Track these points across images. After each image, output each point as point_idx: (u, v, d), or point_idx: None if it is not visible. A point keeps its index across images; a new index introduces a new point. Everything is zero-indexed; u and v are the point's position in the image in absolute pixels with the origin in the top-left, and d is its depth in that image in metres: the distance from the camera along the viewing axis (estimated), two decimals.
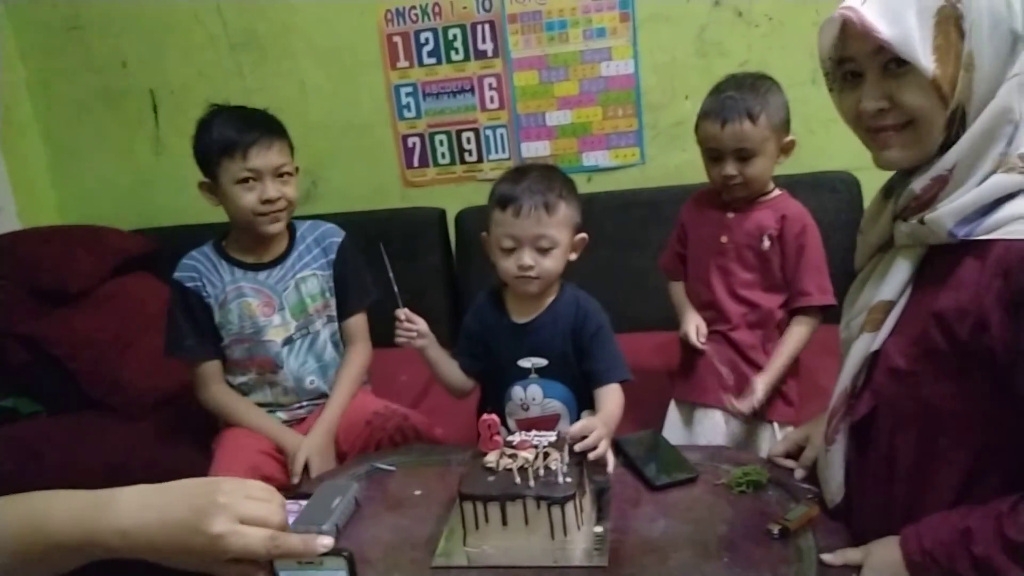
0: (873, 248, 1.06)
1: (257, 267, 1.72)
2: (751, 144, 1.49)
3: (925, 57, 0.88)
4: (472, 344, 1.49)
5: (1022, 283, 0.83)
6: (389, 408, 1.65)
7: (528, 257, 1.34)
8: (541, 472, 1.09)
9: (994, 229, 0.88)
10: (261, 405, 1.74)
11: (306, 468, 1.58)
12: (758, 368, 1.58)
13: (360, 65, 2.46)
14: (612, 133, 2.40)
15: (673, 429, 1.62)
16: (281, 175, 1.65)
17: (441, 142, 2.50)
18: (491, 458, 1.13)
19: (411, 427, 1.60)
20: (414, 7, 2.38)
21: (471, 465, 1.15)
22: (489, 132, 2.46)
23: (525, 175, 1.35)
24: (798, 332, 1.58)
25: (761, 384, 1.51)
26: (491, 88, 2.42)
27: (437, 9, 2.38)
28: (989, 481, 0.91)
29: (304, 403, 1.77)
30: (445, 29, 2.39)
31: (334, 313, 1.79)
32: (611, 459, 1.21)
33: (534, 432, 1.19)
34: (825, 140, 2.14)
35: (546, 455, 1.11)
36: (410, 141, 2.51)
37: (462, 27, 2.38)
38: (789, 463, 1.24)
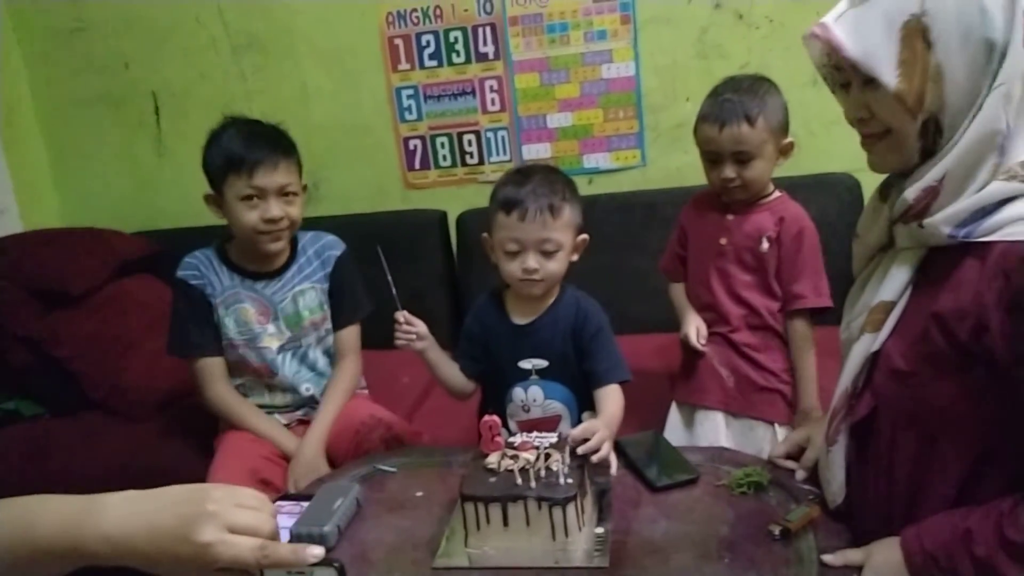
0: (871, 249, 1.06)
1: (256, 276, 1.73)
2: (749, 147, 1.49)
3: (888, 73, 0.89)
4: (472, 346, 1.49)
5: (1022, 284, 0.84)
6: (374, 418, 1.65)
7: (533, 260, 1.34)
8: (542, 473, 1.09)
9: (994, 230, 0.88)
10: (259, 407, 1.74)
11: None
12: (759, 369, 1.58)
13: (361, 67, 2.47)
14: (613, 135, 2.40)
15: (674, 431, 1.62)
16: (286, 194, 1.65)
17: (442, 144, 2.50)
18: (492, 459, 1.14)
19: (395, 437, 1.61)
20: (415, 9, 2.39)
21: (472, 466, 1.15)
22: (490, 134, 2.47)
23: (528, 177, 1.35)
24: (804, 338, 1.56)
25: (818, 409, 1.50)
26: (492, 90, 2.43)
27: (438, 11, 2.38)
28: (989, 482, 0.92)
29: (301, 407, 1.78)
30: (446, 31, 2.40)
31: (331, 326, 1.80)
32: (614, 461, 1.21)
33: (535, 433, 1.19)
34: (826, 142, 2.14)
35: (547, 456, 1.12)
36: (411, 143, 2.52)
37: (463, 29, 2.39)
38: (790, 464, 1.25)
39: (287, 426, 1.75)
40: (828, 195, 2.05)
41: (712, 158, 1.54)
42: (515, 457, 1.13)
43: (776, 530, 1.05)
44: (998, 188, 0.89)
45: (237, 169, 1.60)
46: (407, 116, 2.49)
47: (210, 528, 0.67)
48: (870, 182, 1.09)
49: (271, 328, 1.73)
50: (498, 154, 2.48)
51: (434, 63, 2.43)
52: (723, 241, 1.60)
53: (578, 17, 2.32)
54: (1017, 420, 0.88)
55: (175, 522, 0.68)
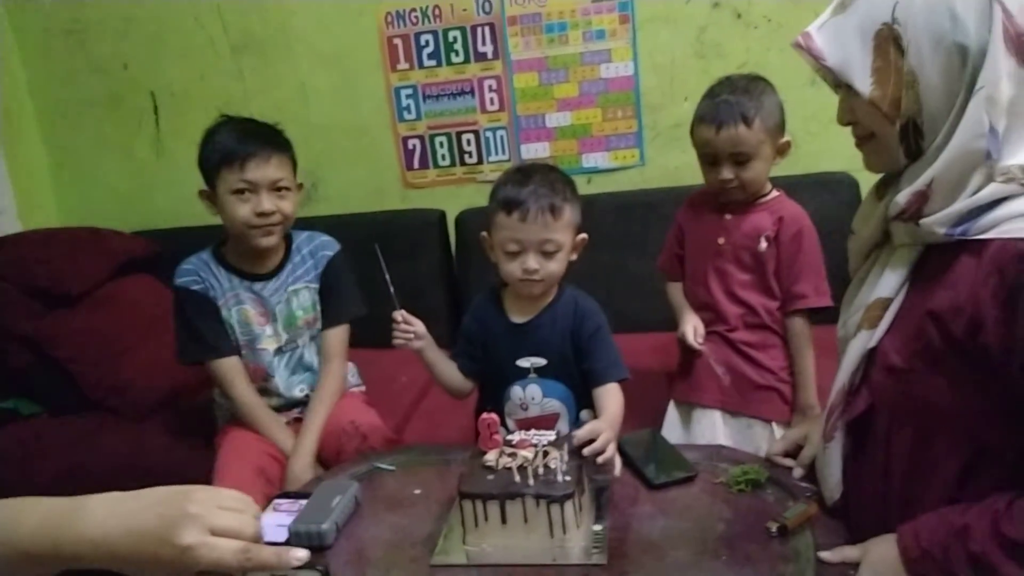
0: (866, 245, 1.07)
1: (253, 277, 1.73)
2: (747, 148, 1.49)
3: (862, 80, 0.93)
4: (470, 345, 1.49)
5: (1017, 281, 0.84)
6: (353, 425, 1.64)
7: (533, 261, 1.34)
8: (540, 471, 1.09)
9: (990, 228, 0.89)
10: None
11: None
12: (757, 367, 1.58)
13: (360, 67, 2.47)
14: (612, 135, 2.41)
15: (672, 429, 1.63)
16: (278, 189, 1.65)
17: (441, 144, 2.50)
18: (490, 457, 1.14)
19: (368, 447, 1.60)
20: (414, 9, 2.39)
21: (470, 464, 1.15)
22: (489, 134, 2.47)
23: (529, 177, 1.34)
24: (805, 337, 1.57)
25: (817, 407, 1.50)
26: (491, 90, 2.43)
27: (437, 11, 2.39)
28: (985, 479, 0.92)
29: (296, 406, 1.78)
30: (445, 31, 2.40)
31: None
32: (618, 462, 1.21)
33: (533, 431, 1.19)
34: (824, 141, 2.15)
35: (545, 454, 1.12)
36: (410, 143, 2.52)
37: (462, 29, 2.39)
38: (787, 462, 1.25)
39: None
40: (826, 194, 2.05)
41: (709, 159, 1.54)
42: (513, 455, 1.13)
43: (773, 527, 1.05)
44: (996, 190, 0.89)
45: (230, 162, 1.61)
46: (406, 116, 2.50)
47: (192, 530, 0.66)
48: (868, 181, 1.10)
49: (269, 330, 1.74)
50: (497, 154, 2.48)
51: (433, 63, 2.43)
52: (721, 241, 1.60)
53: (577, 17, 2.33)
54: (1013, 417, 0.88)
55: (156, 524, 0.67)
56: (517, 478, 1.08)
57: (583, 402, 1.44)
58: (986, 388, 0.89)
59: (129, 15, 2.54)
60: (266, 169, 1.62)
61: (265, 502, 1.30)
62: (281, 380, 1.76)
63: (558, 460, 1.10)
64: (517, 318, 1.44)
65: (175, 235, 2.46)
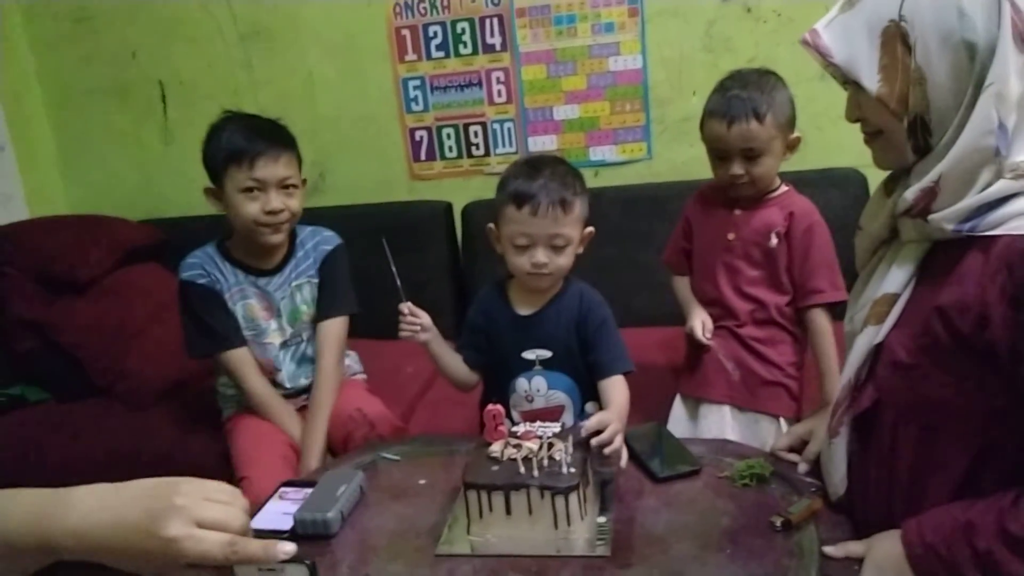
0: (874, 241, 1.07)
1: (258, 272, 1.74)
2: (758, 144, 1.48)
3: (870, 78, 0.93)
4: (476, 337, 1.49)
5: None
6: (361, 413, 1.64)
7: (542, 255, 1.34)
8: (545, 462, 1.09)
9: (998, 224, 0.89)
10: None
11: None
12: (765, 363, 1.57)
13: (368, 58, 2.47)
14: (619, 128, 2.40)
15: (678, 424, 1.63)
16: (286, 187, 1.66)
17: (448, 135, 2.50)
18: (496, 448, 1.14)
19: (378, 436, 1.61)
20: (423, 0, 2.39)
21: (475, 455, 1.16)
22: (496, 126, 2.47)
23: (539, 170, 1.34)
24: (827, 331, 1.54)
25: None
26: (499, 82, 2.43)
27: (446, 3, 2.38)
28: (990, 475, 0.92)
29: (302, 396, 1.79)
30: (453, 23, 2.39)
31: None
32: (624, 454, 1.21)
33: (538, 423, 1.19)
34: (833, 136, 2.14)
35: (550, 446, 1.12)
36: (417, 134, 2.52)
37: (470, 21, 2.39)
38: (792, 457, 1.25)
39: None
40: (835, 190, 2.05)
41: (720, 154, 1.53)
42: (518, 446, 1.13)
43: (778, 522, 1.05)
44: (1005, 186, 0.89)
45: (238, 161, 1.61)
46: (413, 107, 2.49)
47: (177, 522, 0.65)
48: (876, 177, 1.10)
49: (274, 324, 1.75)
50: (504, 146, 2.48)
51: (441, 54, 2.43)
52: (731, 236, 1.59)
53: (586, 9, 2.32)
54: (1018, 413, 0.88)
55: (142, 516, 0.66)
56: (522, 469, 1.09)
57: (588, 394, 1.44)
58: (992, 384, 0.89)
59: (138, 3, 2.54)
60: (275, 167, 1.63)
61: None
62: (287, 373, 1.78)
63: (563, 452, 1.10)
64: (523, 310, 1.44)
65: (182, 224, 2.46)
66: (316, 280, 1.78)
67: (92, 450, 1.93)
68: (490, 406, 1.18)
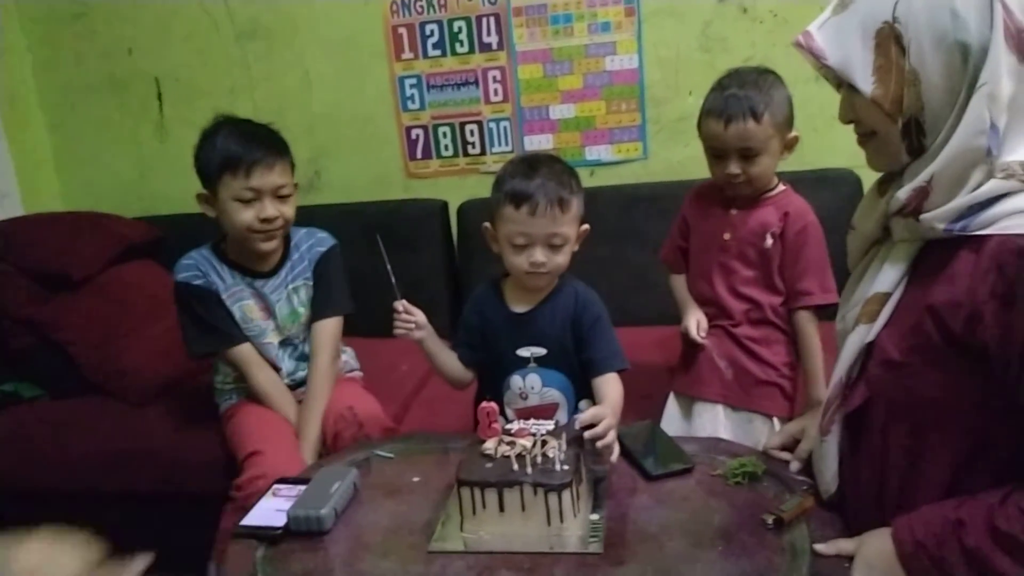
0: (866, 241, 1.08)
1: (254, 275, 1.74)
2: (755, 143, 1.48)
3: (864, 79, 0.93)
4: (471, 335, 1.49)
5: (1015, 277, 0.84)
6: (352, 412, 1.64)
7: (540, 254, 1.34)
8: (539, 459, 1.10)
9: (989, 224, 0.89)
10: None
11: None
12: (759, 362, 1.58)
13: (365, 56, 2.47)
14: (615, 127, 2.40)
15: (671, 422, 1.63)
16: (281, 195, 1.66)
17: (444, 134, 2.50)
18: (489, 445, 1.14)
19: (364, 436, 1.61)
20: None
21: (469, 452, 1.16)
22: (492, 125, 2.47)
23: (536, 170, 1.34)
24: (813, 333, 1.55)
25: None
26: (495, 81, 2.43)
27: (442, 1, 2.38)
28: (980, 473, 0.92)
29: (301, 388, 1.78)
30: (450, 21, 2.40)
31: None
32: (616, 449, 1.22)
33: (532, 420, 1.20)
34: (827, 137, 2.15)
35: (544, 443, 1.12)
36: (413, 133, 2.52)
37: (467, 19, 2.39)
38: (784, 455, 1.25)
39: None
40: (828, 190, 2.05)
41: (717, 153, 1.53)
42: (512, 443, 1.13)
43: (770, 519, 1.06)
44: (996, 186, 0.89)
45: (234, 170, 1.61)
46: (410, 105, 2.49)
47: None
48: (870, 178, 1.11)
49: (271, 325, 1.76)
50: (500, 145, 2.48)
51: (437, 52, 2.43)
52: (727, 236, 1.59)
53: (582, 8, 2.32)
54: (1009, 412, 0.88)
55: None
56: (515, 466, 1.09)
57: (582, 392, 1.44)
58: (983, 383, 0.89)
59: (134, 0, 2.54)
60: (271, 176, 1.63)
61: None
62: (286, 370, 1.79)
63: (556, 449, 1.11)
64: (517, 308, 1.44)
65: (177, 221, 2.46)
66: (311, 282, 1.78)
67: (87, 447, 1.94)
68: (484, 403, 1.18)
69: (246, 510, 1.23)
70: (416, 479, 1.29)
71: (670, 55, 2.32)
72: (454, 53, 2.43)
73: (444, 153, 2.52)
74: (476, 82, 2.44)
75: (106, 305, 2.19)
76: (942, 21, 0.88)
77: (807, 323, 1.56)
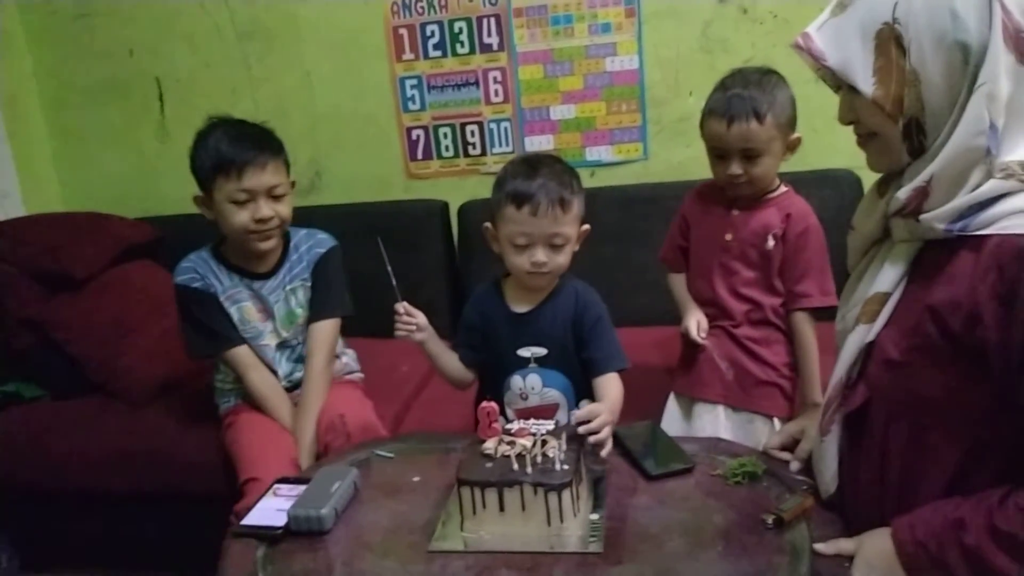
0: (866, 241, 1.08)
1: (253, 276, 1.74)
2: (758, 144, 1.48)
3: (864, 80, 0.93)
4: (471, 336, 1.49)
5: (1015, 277, 0.84)
6: (342, 419, 1.62)
7: (542, 255, 1.35)
8: (539, 459, 1.10)
9: (989, 224, 0.89)
10: None
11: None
12: (759, 363, 1.58)
13: (366, 57, 2.47)
14: (616, 128, 2.40)
15: (672, 423, 1.63)
16: (275, 195, 1.66)
17: (445, 135, 2.50)
18: (489, 445, 1.14)
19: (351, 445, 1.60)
20: (420, 0, 2.39)
21: (469, 452, 1.16)
22: (493, 125, 2.47)
23: (537, 170, 1.34)
24: (810, 335, 1.55)
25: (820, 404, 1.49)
26: (496, 82, 2.43)
27: (443, 2, 2.38)
28: (980, 473, 0.92)
29: (296, 392, 1.78)
30: (451, 22, 2.40)
31: None
32: (609, 444, 1.22)
33: (532, 420, 1.20)
34: (828, 138, 2.14)
35: (544, 443, 1.12)
36: (414, 133, 2.52)
37: (468, 20, 2.39)
38: (784, 455, 1.25)
39: None
40: (829, 191, 2.05)
41: (719, 153, 1.53)
42: (512, 443, 1.13)
43: (770, 519, 1.06)
44: (995, 186, 0.90)
45: (226, 172, 1.61)
46: (410, 106, 2.49)
47: None
48: (870, 179, 1.11)
49: (269, 327, 1.76)
50: (501, 145, 2.48)
51: (438, 53, 2.43)
52: (728, 237, 1.58)
53: (583, 9, 2.32)
54: (1008, 411, 0.88)
55: None
56: (515, 466, 1.09)
57: (583, 392, 1.44)
58: (982, 383, 0.89)
59: (135, 1, 2.54)
60: (263, 176, 1.63)
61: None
62: (283, 372, 1.79)
63: (556, 449, 1.11)
64: (518, 308, 1.44)
65: (178, 221, 2.45)
66: (310, 283, 1.78)
67: (88, 447, 1.94)
68: (484, 403, 1.18)
69: None
70: (416, 479, 1.29)
71: (670, 56, 2.32)
72: (455, 54, 2.43)
73: (445, 154, 2.52)
74: (477, 83, 2.44)
75: (107, 306, 2.19)
76: (942, 21, 0.89)
77: (804, 325, 1.56)
